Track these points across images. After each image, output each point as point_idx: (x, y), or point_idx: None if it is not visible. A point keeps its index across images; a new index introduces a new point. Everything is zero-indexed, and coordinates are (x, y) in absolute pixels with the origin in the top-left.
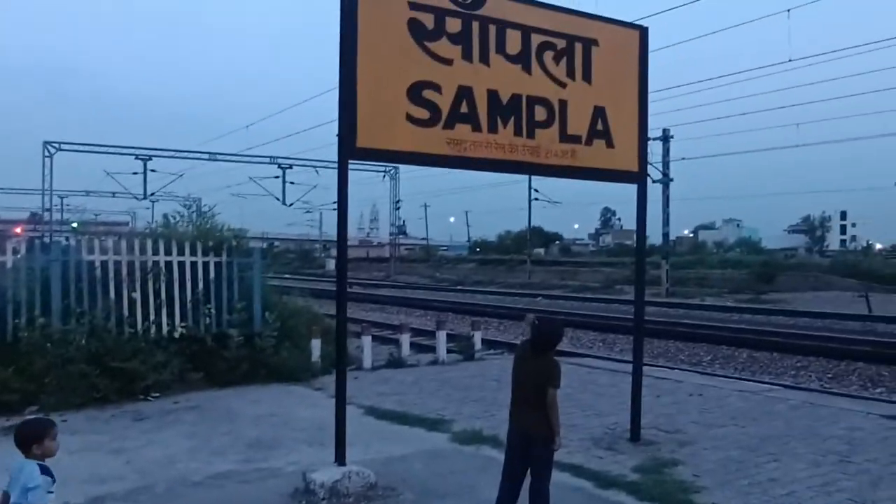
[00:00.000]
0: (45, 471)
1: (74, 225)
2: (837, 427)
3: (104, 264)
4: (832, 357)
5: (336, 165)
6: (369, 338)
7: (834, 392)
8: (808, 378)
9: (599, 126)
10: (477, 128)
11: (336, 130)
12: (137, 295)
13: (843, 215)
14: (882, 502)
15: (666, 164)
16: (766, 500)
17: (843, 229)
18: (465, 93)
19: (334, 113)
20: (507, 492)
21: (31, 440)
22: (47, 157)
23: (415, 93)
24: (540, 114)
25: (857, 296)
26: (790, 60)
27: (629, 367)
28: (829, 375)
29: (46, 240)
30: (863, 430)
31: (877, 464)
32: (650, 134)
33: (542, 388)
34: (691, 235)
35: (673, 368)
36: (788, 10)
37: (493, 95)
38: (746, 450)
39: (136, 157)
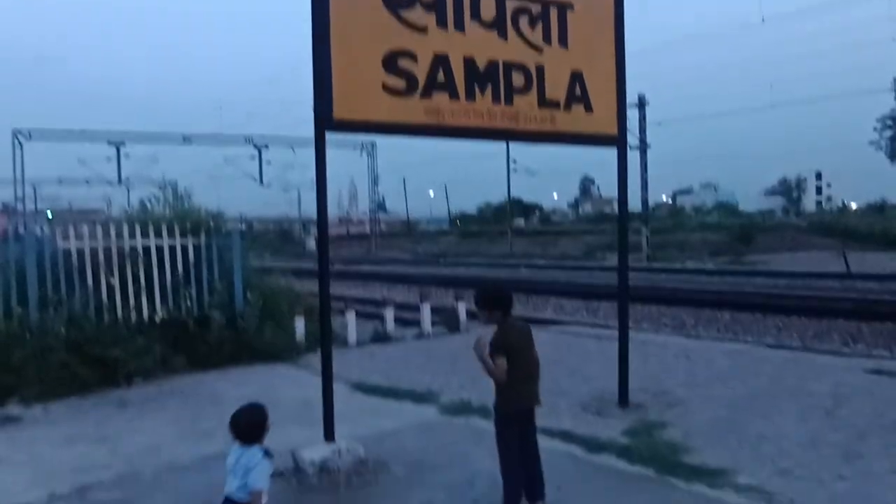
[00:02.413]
0: (267, 453)
1: (49, 214)
2: (822, 383)
3: (80, 251)
4: (813, 316)
5: (313, 141)
6: (353, 314)
7: (817, 349)
8: (790, 337)
9: (577, 91)
10: (454, 96)
11: (311, 105)
12: (116, 281)
13: (819, 176)
14: (869, 453)
15: (642, 130)
16: (756, 457)
17: (819, 190)
18: (441, 61)
19: (309, 90)
20: (523, 477)
21: (257, 428)
22: (18, 145)
23: (390, 62)
24: (517, 80)
25: (835, 254)
26: (763, 21)
27: (614, 333)
28: (811, 334)
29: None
30: (847, 385)
31: (863, 417)
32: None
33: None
34: (669, 201)
35: (657, 332)
36: None
37: (469, 63)
38: (734, 408)
39: (109, 142)
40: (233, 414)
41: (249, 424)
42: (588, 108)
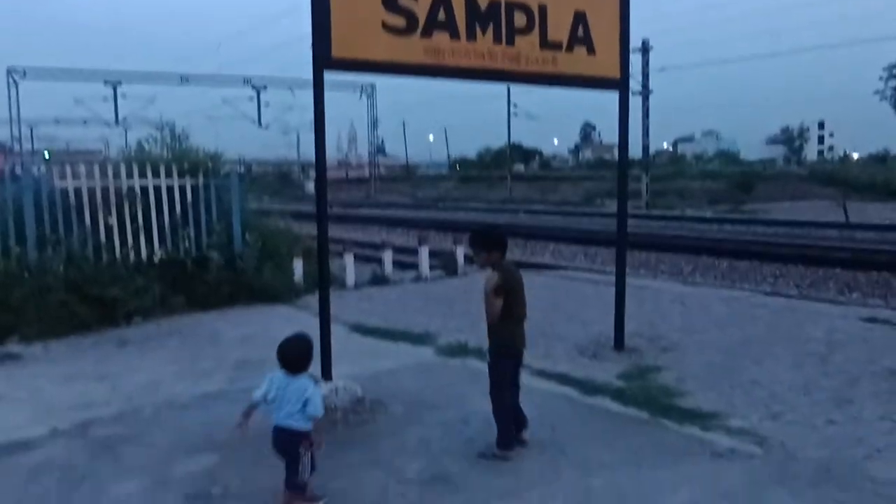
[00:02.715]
0: (315, 379)
1: (46, 154)
2: (817, 330)
3: (78, 191)
4: (810, 264)
5: (312, 82)
6: (352, 256)
7: (813, 297)
8: (787, 285)
9: (580, 32)
10: (455, 36)
11: (311, 44)
12: (114, 221)
13: (821, 125)
14: (860, 399)
15: (645, 75)
16: (749, 401)
17: (821, 139)
18: None
19: (307, 29)
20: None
21: (304, 358)
22: (13, 84)
23: (390, 0)
24: (519, 20)
25: (834, 204)
26: None
27: (611, 278)
28: (808, 282)
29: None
30: (841, 333)
31: (855, 364)
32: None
33: None
34: (670, 148)
35: (655, 278)
36: None
37: (471, 2)
38: (728, 354)
39: (106, 81)
40: (280, 345)
41: (297, 355)
42: (591, 50)
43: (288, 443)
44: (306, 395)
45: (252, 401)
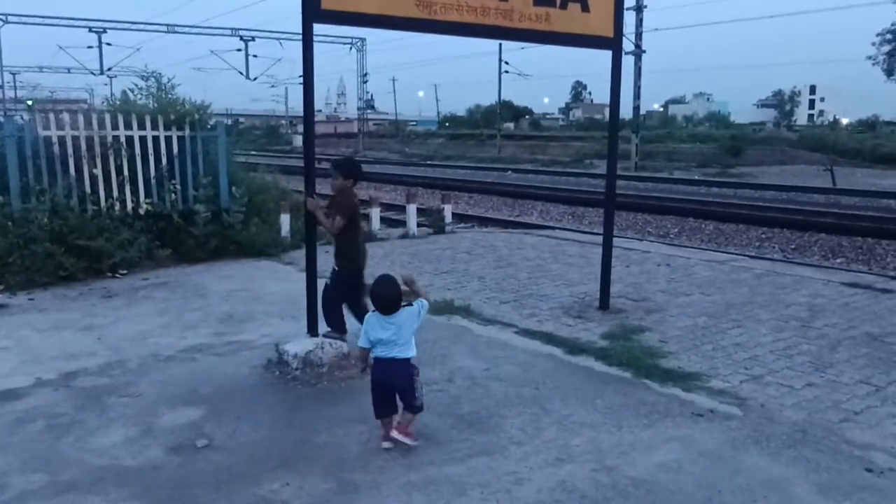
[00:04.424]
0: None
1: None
2: (799, 294)
3: (62, 140)
4: (795, 228)
5: (301, 34)
6: None
7: (797, 262)
8: (772, 249)
9: None
10: None
11: None
12: (99, 171)
13: (812, 89)
14: (839, 363)
15: (638, 35)
16: (730, 364)
17: (812, 104)
18: None
19: None
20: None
21: (398, 298)
22: None
23: None
24: None
25: (822, 169)
26: None
27: (598, 239)
28: (793, 246)
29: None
30: (824, 297)
31: (836, 328)
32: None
33: None
34: (661, 109)
35: (641, 240)
36: None
37: None
38: (712, 317)
39: (90, 29)
40: (372, 291)
41: (392, 296)
42: (584, 7)
43: (404, 371)
44: (421, 314)
45: (361, 348)
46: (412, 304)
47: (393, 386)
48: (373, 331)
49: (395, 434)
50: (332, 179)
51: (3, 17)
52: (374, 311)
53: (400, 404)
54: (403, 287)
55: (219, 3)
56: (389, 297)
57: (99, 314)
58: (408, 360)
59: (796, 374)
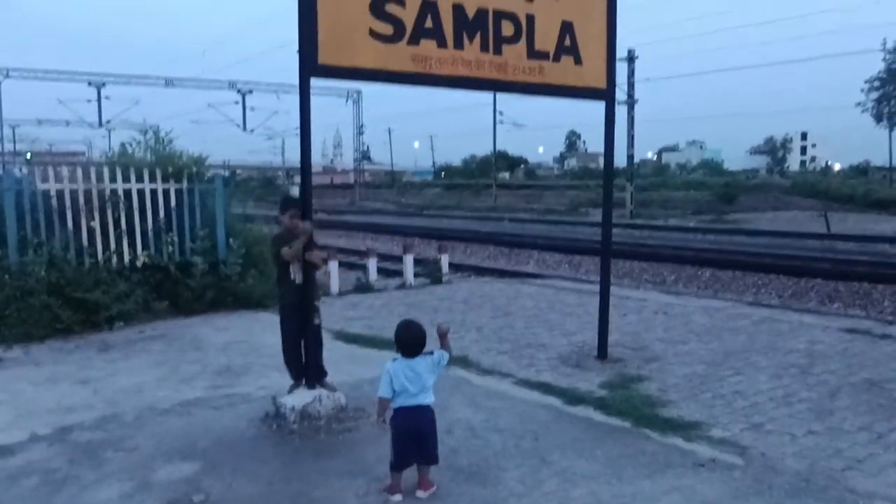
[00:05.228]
0: (432, 352)
1: (28, 155)
2: (798, 341)
3: (60, 193)
4: (792, 275)
5: (298, 87)
6: (336, 263)
7: (794, 308)
8: (768, 295)
9: (567, 42)
10: (442, 44)
11: (297, 49)
12: (97, 224)
13: (804, 136)
14: (840, 410)
15: (631, 85)
16: (730, 412)
17: (804, 150)
18: (429, 7)
19: (294, 34)
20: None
21: (422, 342)
22: None
23: (377, 7)
24: (507, 29)
25: (817, 215)
26: None
27: (595, 288)
28: (789, 292)
29: None
30: (822, 344)
31: (835, 375)
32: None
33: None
34: (655, 157)
35: (638, 288)
36: None
37: (458, 9)
38: (710, 364)
39: (90, 83)
40: (397, 334)
41: (416, 339)
42: (577, 60)
43: (431, 418)
44: (441, 364)
45: (382, 398)
46: (433, 353)
47: (421, 433)
48: (397, 379)
49: (421, 494)
50: (280, 220)
51: (5, 72)
52: (394, 359)
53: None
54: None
55: (217, 56)
56: (415, 339)
57: (95, 367)
58: (430, 406)
59: (797, 422)
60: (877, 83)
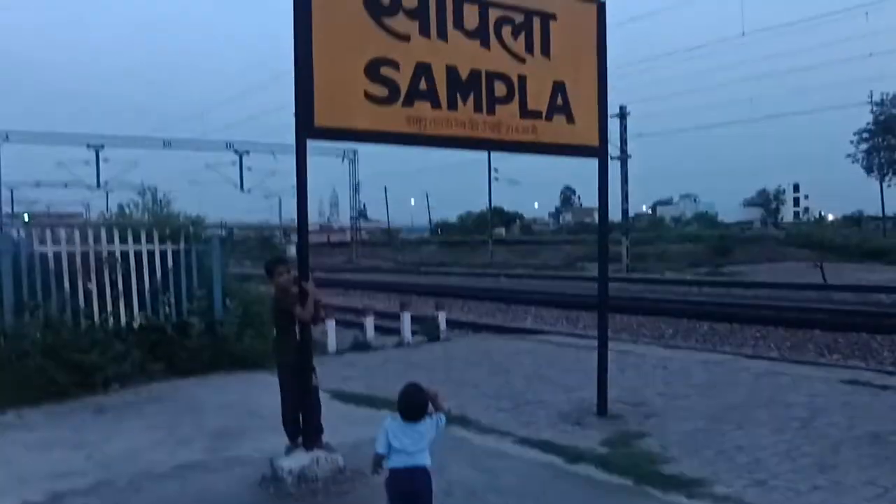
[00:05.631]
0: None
1: (26, 217)
2: (798, 394)
3: (57, 255)
4: (790, 326)
5: (294, 148)
6: (333, 322)
7: (793, 360)
8: (767, 347)
9: (559, 101)
10: (437, 105)
11: (293, 111)
12: (93, 286)
13: (796, 188)
14: (844, 464)
15: (623, 140)
16: (733, 468)
17: (797, 201)
18: (423, 69)
19: (291, 96)
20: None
21: (424, 406)
22: None
23: (372, 70)
24: (500, 89)
25: (812, 265)
26: (743, 34)
27: (593, 343)
28: (788, 344)
29: None
30: (823, 396)
31: (838, 428)
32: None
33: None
34: (649, 211)
35: (636, 342)
36: None
37: (452, 71)
38: (711, 419)
39: (88, 145)
40: (400, 397)
41: (418, 404)
42: (570, 119)
43: (427, 480)
44: (440, 426)
45: (377, 454)
46: (432, 416)
47: (416, 496)
48: (395, 438)
49: None
50: (276, 284)
51: (4, 135)
52: (393, 416)
53: None
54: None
55: (215, 118)
56: (416, 404)
57: (90, 431)
58: (427, 468)
59: (801, 477)
60: (865, 135)
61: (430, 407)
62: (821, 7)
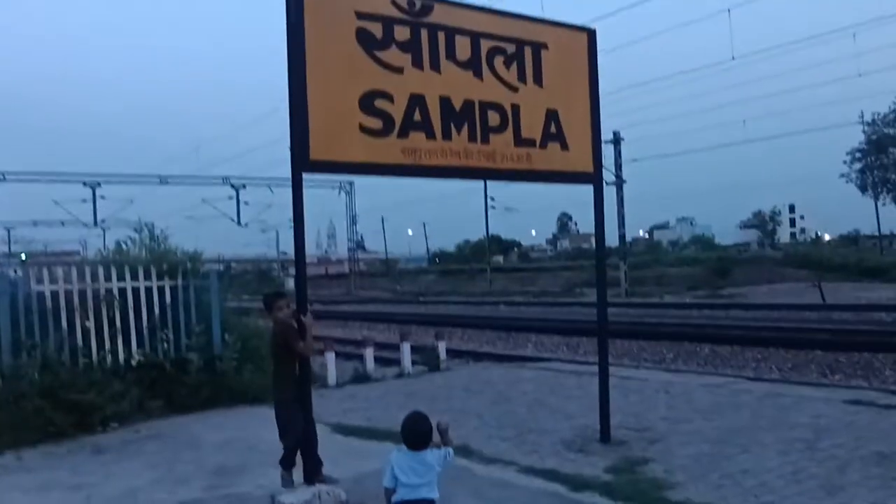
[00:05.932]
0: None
1: (23, 256)
2: (802, 415)
3: (55, 294)
4: (791, 347)
5: (290, 181)
6: (333, 354)
7: (795, 381)
8: (769, 369)
9: (553, 129)
10: (431, 135)
11: (289, 146)
12: (91, 324)
13: (792, 208)
14: (851, 486)
15: (618, 166)
16: (739, 492)
17: (793, 222)
18: (417, 101)
19: (286, 130)
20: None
21: (428, 435)
22: None
23: (367, 102)
24: (493, 119)
25: (811, 285)
26: (733, 59)
27: (595, 369)
28: (789, 365)
29: None
30: (827, 417)
31: (843, 449)
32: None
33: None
34: (646, 235)
35: (638, 367)
36: (728, 10)
37: (445, 102)
38: (716, 443)
39: (85, 183)
40: (403, 426)
41: (422, 432)
42: (564, 146)
43: None
44: (448, 460)
45: (386, 489)
46: (440, 448)
47: None
48: (401, 471)
49: None
50: (275, 319)
51: (1, 176)
52: (398, 448)
53: None
54: (436, 432)
55: (211, 152)
56: (420, 431)
57: (88, 471)
58: (434, 502)
59: (808, 500)
60: (858, 154)
61: (437, 437)
62: (809, 29)
